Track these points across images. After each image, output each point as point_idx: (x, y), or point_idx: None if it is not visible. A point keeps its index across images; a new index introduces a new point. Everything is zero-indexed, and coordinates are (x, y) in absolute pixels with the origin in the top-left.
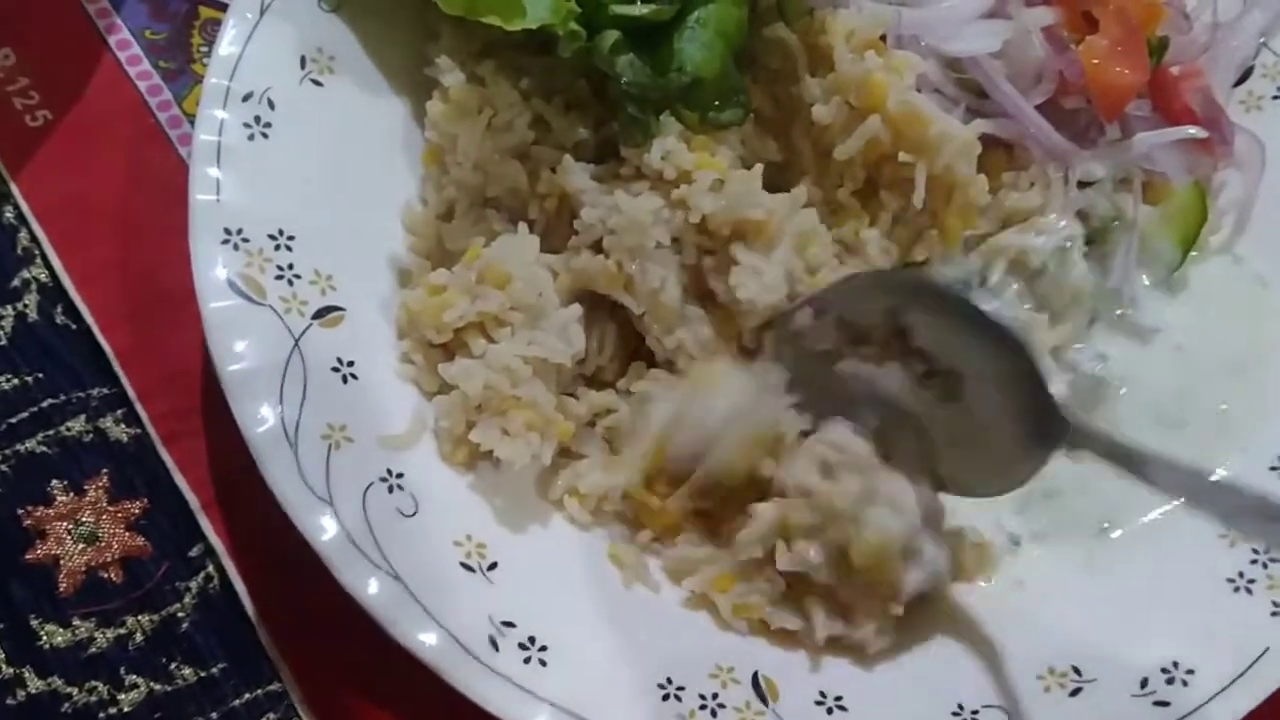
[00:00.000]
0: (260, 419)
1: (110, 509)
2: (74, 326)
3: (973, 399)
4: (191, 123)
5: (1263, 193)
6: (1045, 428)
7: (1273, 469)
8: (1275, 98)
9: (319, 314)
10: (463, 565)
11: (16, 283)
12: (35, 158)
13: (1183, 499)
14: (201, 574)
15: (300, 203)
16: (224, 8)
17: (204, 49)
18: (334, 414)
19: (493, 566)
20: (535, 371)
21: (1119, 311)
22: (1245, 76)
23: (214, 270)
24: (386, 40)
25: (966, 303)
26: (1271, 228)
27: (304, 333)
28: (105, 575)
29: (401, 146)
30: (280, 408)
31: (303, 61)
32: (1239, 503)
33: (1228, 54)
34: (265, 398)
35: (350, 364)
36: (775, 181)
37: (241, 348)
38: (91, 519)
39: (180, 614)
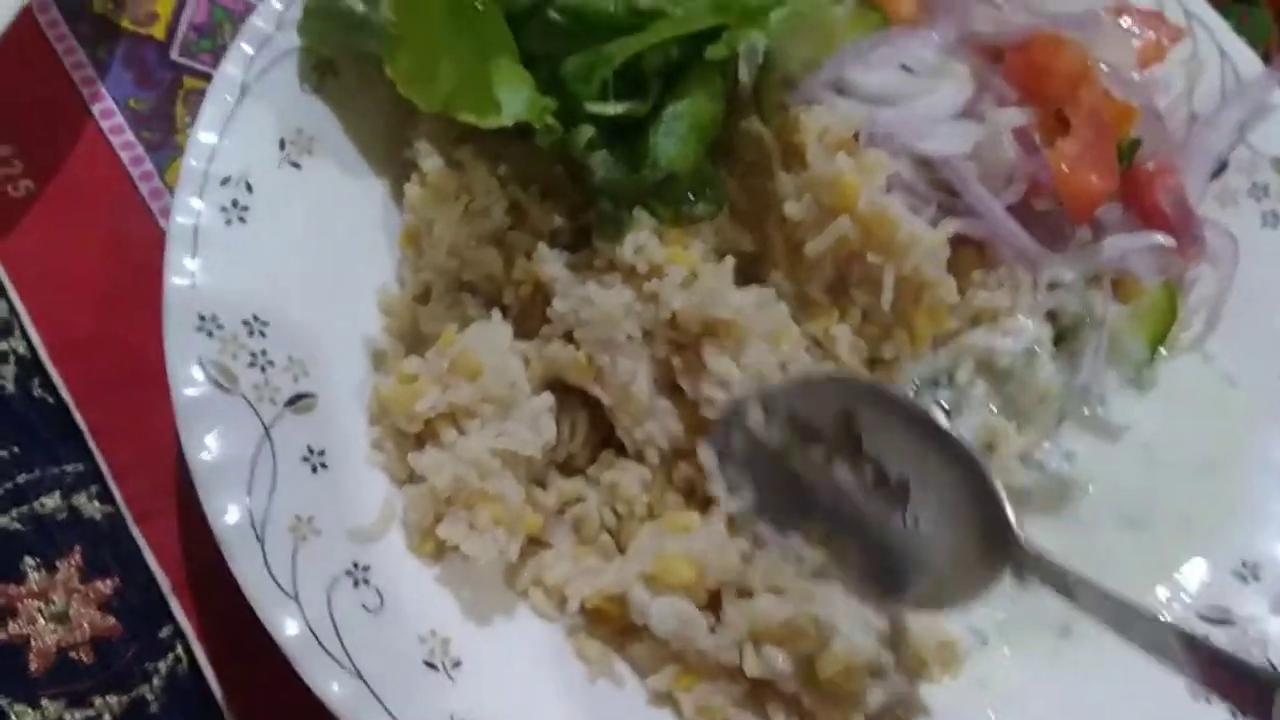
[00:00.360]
0: (228, 512)
1: (82, 588)
2: (50, 400)
3: (923, 510)
4: (173, 194)
5: (1235, 289)
6: (998, 549)
7: (1236, 574)
8: (1249, 193)
9: (291, 401)
10: (426, 663)
11: None
12: (17, 228)
13: (1118, 632)
14: (170, 655)
15: (276, 287)
16: (208, 77)
17: (188, 119)
18: (302, 505)
19: (456, 664)
20: (505, 463)
21: (1087, 410)
22: (1221, 170)
23: (187, 357)
24: (366, 121)
25: (923, 413)
26: (1242, 325)
27: (275, 421)
28: (76, 656)
29: (380, 226)
30: (248, 500)
31: (282, 144)
32: (1169, 640)
33: (1203, 149)
34: (234, 490)
35: (321, 453)
36: (749, 270)
37: (212, 438)
38: (63, 598)
39: (149, 696)
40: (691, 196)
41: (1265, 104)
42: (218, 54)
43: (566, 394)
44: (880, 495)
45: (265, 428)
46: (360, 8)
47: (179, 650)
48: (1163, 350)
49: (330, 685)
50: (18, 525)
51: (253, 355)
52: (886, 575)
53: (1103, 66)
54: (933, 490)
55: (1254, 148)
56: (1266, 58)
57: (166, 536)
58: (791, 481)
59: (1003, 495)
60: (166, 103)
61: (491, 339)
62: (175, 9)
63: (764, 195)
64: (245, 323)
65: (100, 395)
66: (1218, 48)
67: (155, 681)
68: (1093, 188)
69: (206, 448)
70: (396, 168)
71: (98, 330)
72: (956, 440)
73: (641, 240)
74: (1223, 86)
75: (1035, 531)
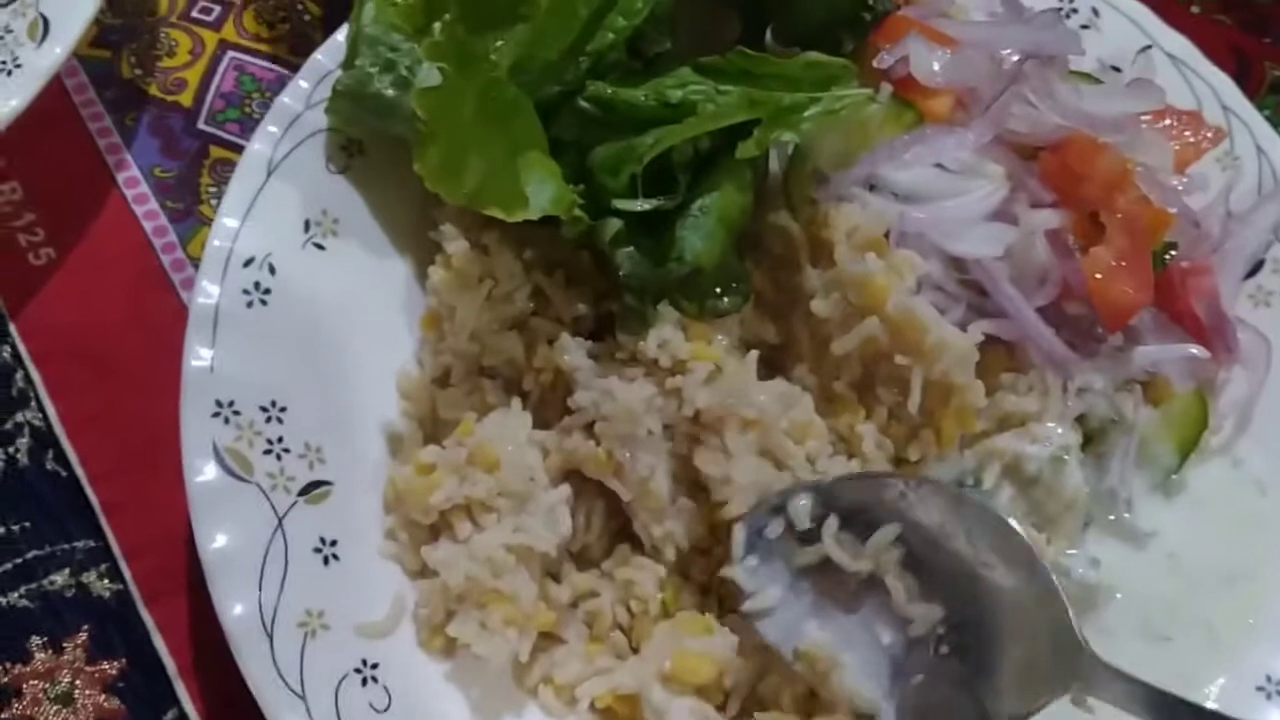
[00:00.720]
0: (237, 606)
1: (88, 669)
2: (63, 474)
3: (975, 628)
4: (195, 266)
5: (1267, 392)
6: (1061, 660)
7: (1259, 689)
8: None
9: (306, 489)
10: None
11: (10, 425)
12: (36, 297)
13: None
14: None
15: (294, 371)
16: (235, 147)
17: (213, 189)
18: (313, 599)
19: None
20: (519, 559)
21: (1113, 516)
22: (1256, 270)
23: (203, 444)
24: (393, 202)
25: (985, 508)
26: (1274, 429)
27: (288, 511)
28: None
29: (402, 307)
30: (258, 593)
31: (306, 225)
32: None
33: (1238, 248)
34: (244, 583)
35: (333, 543)
36: (773, 360)
37: (223, 527)
38: (68, 679)
39: None
40: (718, 290)
41: None
42: (244, 123)
43: (584, 483)
44: (932, 597)
45: (279, 518)
46: (390, 92)
47: None
48: (1192, 454)
49: None
50: (25, 602)
51: (269, 442)
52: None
53: (1139, 168)
54: (988, 600)
55: None
56: None
57: (175, 618)
58: (830, 581)
59: (1068, 605)
60: (192, 172)
61: (510, 429)
62: (203, 76)
63: (791, 289)
64: (263, 408)
65: (113, 471)
66: (1255, 145)
67: None
68: (1126, 299)
69: (218, 537)
70: (421, 248)
71: (114, 404)
72: (1021, 537)
73: (665, 335)
74: (1259, 184)
75: None
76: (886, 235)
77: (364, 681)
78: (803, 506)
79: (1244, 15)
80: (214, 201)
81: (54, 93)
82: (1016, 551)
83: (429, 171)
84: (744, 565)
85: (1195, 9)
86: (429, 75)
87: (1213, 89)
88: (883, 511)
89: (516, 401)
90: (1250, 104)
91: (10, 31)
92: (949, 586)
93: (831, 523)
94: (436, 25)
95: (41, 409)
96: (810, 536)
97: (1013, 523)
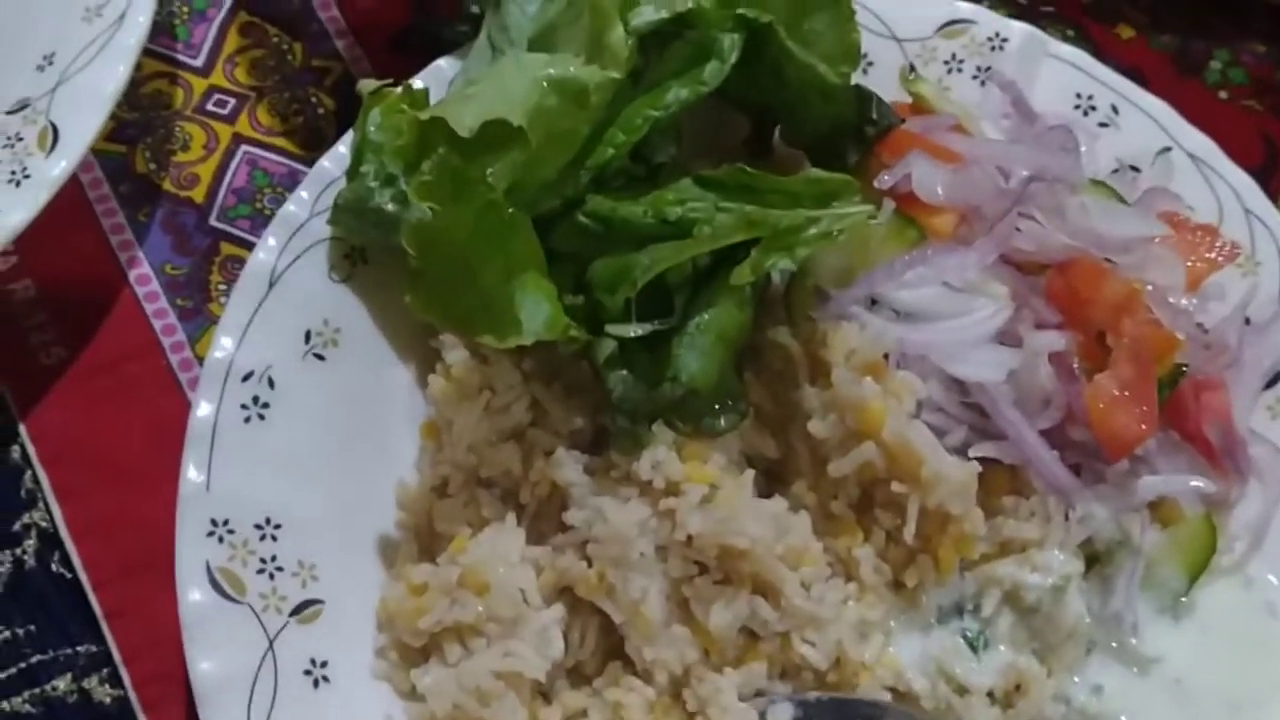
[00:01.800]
0: None
1: None
2: (68, 576)
3: None
4: (202, 365)
5: None
6: None
7: None
8: None
9: (297, 610)
10: None
11: (18, 527)
12: (45, 398)
13: None
14: None
15: (291, 487)
16: (245, 244)
17: (222, 286)
18: None
19: None
20: (508, 684)
21: (1115, 643)
22: (1275, 380)
23: (195, 564)
24: (394, 310)
25: None
26: None
27: (280, 632)
28: None
29: (404, 415)
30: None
31: (307, 336)
32: None
33: (1255, 361)
34: (232, 708)
35: (324, 664)
36: (775, 473)
37: (213, 649)
38: None
39: None
40: (715, 408)
41: None
42: (255, 219)
43: (580, 600)
44: None
45: (269, 640)
46: (390, 207)
47: None
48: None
49: None
50: (28, 708)
51: (262, 561)
52: None
53: (1149, 288)
54: None
55: None
56: None
57: None
58: None
59: None
60: (202, 270)
61: (503, 549)
62: (216, 171)
63: (790, 405)
64: (258, 526)
65: (116, 576)
66: (1278, 249)
67: None
68: (1130, 433)
69: (207, 659)
70: (423, 354)
71: (119, 508)
72: None
73: (659, 456)
74: None
75: None
76: (886, 357)
77: None
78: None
79: (1275, 100)
80: (223, 300)
81: (69, 188)
82: None
83: (419, 304)
84: None
85: (1224, 94)
86: (418, 212)
87: (1234, 190)
88: None
89: (511, 517)
90: (1273, 206)
91: (21, 139)
92: None
93: None
94: (426, 163)
95: (49, 511)
96: None
97: None
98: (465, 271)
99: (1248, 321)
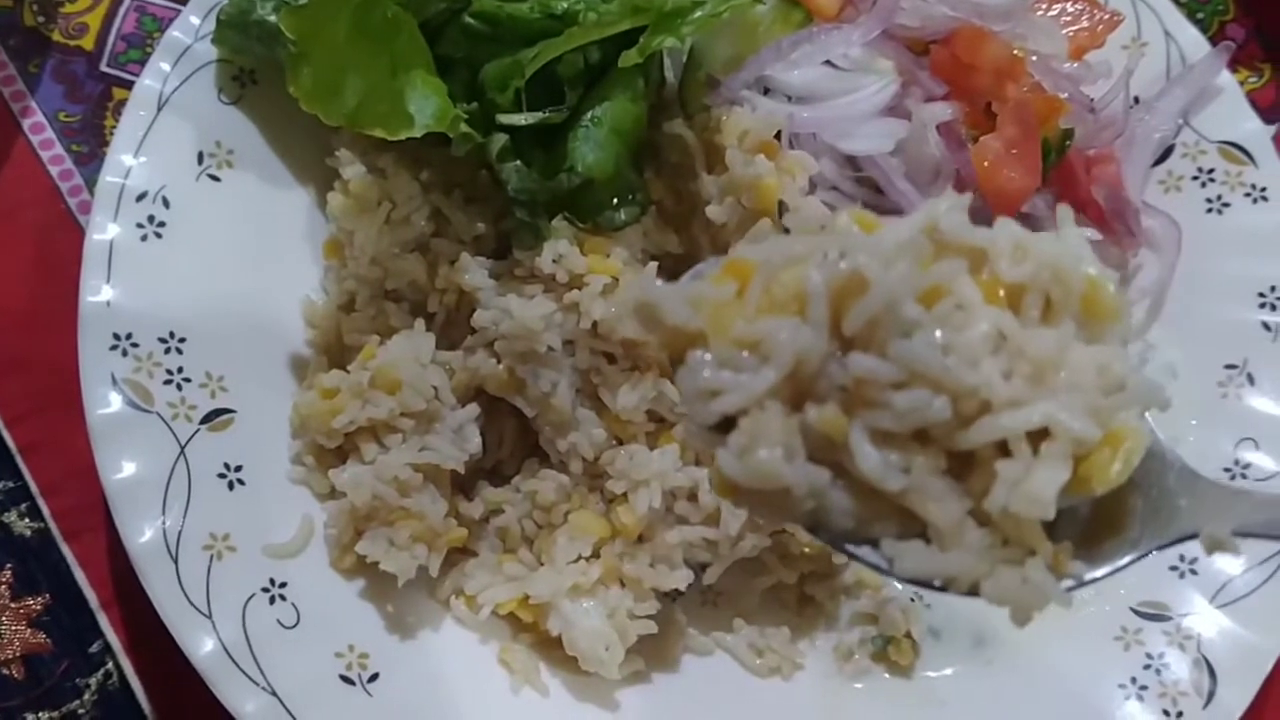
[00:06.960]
0: (142, 533)
1: (13, 606)
2: None
3: None
4: (95, 190)
5: (1178, 277)
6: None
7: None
8: (1195, 178)
9: (207, 418)
10: (342, 678)
11: None
12: None
13: None
14: (101, 671)
15: (194, 303)
16: None
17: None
18: (218, 523)
19: (374, 678)
20: (427, 477)
21: None
22: (1165, 155)
23: (101, 377)
24: (288, 130)
25: None
26: (1185, 314)
27: (190, 439)
28: (6, 672)
29: (304, 236)
30: (162, 519)
31: (200, 157)
32: None
33: (1145, 134)
34: (148, 510)
35: (238, 469)
36: (680, 270)
37: (126, 457)
38: None
39: (80, 711)
40: (614, 202)
41: (1210, 87)
42: (146, 64)
43: (496, 402)
44: None
45: (180, 446)
46: (272, 18)
47: (109, 666)
48: None
49: (245, 704)
50: None
51: (169, 372)
52: None
53: (1031, 57)
54: None
55: (1199, 131)
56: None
57: (94, 553)
58: None
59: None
60: (96, 115)
61: (413, 351)
62: (104, 20)
63: (690, 197)
64: (161, 339)
65: (29, 414)
66: (1163, 29)
67: (86, 697)
68: (1013, 185)
69: (121, 467)
70: (320, 176)
71: (27, 349)
72: None
73: (561, 250)
74: (1168, 69)
75: None
76: (778, 137)
77: (272, 600)
78: None
79: None
80: None
81: None
82: None
83: (304, 93)
84: None
85: None
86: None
87: None
88: None
89: (420, 323)
90: None
91: None
92: None
93: None
94: None
95: None
96: None
97: None
98: (350, 66)
99: (1137, 101)
